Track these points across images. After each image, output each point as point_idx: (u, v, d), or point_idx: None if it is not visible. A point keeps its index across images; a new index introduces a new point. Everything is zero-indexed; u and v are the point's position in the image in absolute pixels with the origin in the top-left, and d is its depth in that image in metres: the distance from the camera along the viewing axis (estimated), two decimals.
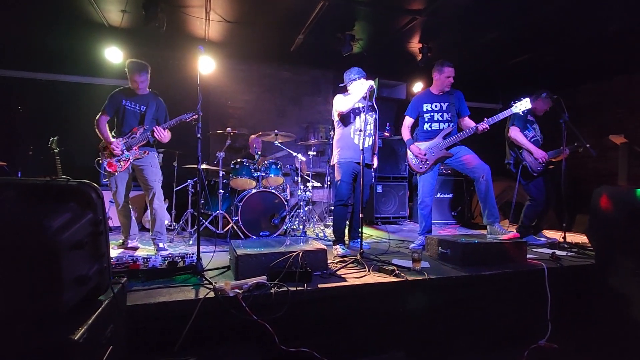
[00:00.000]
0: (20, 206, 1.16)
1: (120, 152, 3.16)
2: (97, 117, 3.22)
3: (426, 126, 3.51)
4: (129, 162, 3.22)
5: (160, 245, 3.23)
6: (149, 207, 3.33)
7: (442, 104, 3.45)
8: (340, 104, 3.26)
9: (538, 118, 3.84)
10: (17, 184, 1.24)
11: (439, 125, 3.46)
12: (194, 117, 3.31)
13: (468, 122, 3.46)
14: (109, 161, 3.16)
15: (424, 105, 3.50)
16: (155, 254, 2.97)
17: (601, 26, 4.30)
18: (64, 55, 4.94)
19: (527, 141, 3.69)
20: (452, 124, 3.43)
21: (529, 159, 3.67)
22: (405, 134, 3.60)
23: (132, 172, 3.35)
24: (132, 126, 3.26)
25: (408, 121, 3.60)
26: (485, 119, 3.26)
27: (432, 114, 3.48)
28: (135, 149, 3.23)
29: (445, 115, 3.44)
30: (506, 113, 3.29)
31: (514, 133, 3.70)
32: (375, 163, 3.53)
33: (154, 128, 3.23)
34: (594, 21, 4.22)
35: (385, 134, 5.67)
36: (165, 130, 3.27)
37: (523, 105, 3.26)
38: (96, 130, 3.21)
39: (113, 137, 3.22)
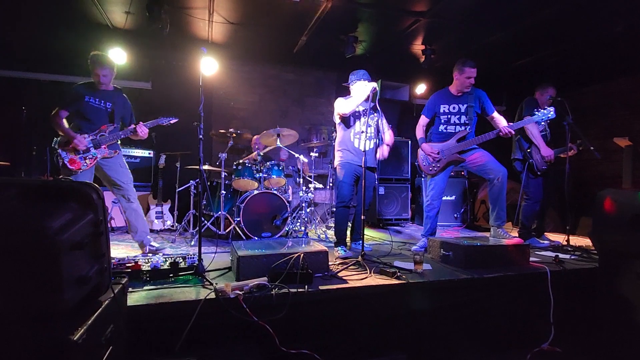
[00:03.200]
0: (21, 206, 1.16)
1: (85, 148, 2.92)
2: (53, 112, 2.94)
3: (441, 127, 3.45)
4: (94, 161, 2.98)
5: (153, 244, 3.14)
6: (125, 212, 3.11)
7: (460, 105, 3.38)
8: (342, 106, 3.24)
9: None
10: (19, 183, 1.24)
11: (455, 128, 3.40)
12: (171, 122, 3.25)
13: (498, 120, 3.34)
14: (72, 157, 2.90)
15: (441, 107, 3.43)
16: (143, 252, 2.96)
17: (606, 27, 4.27)
18: (67, 56, 4.97)
19: (539, 135, 3.64)
20: (469, 127, 3.36)
21: (536, 156, 3.65)
22: (419, 132, 3.52)
23: (95, 171, 3.09)
24: (100, 124, 3.04)
25: (423, 120, 3.53)
26: (510, 123, 3.27)
27: (449, 116, 3.41)
28: (104, 148, 3.01)
29: (463, 118, 3.37)
30: (527, 121, 3.32)
31: (531, 124, 3.61)
32: (387, 152, 3.43)
33: (138, 126, 3.08)
34: (599, 22, 4.20)
35: None
36: (146, 127, 3.14)
37: (546, 116, 3.26)
38: (54, 127, 2.95)
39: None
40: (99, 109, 3.06)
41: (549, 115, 3.25)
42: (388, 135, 3.49)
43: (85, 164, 2.95)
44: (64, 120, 2.98)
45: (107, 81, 3.09)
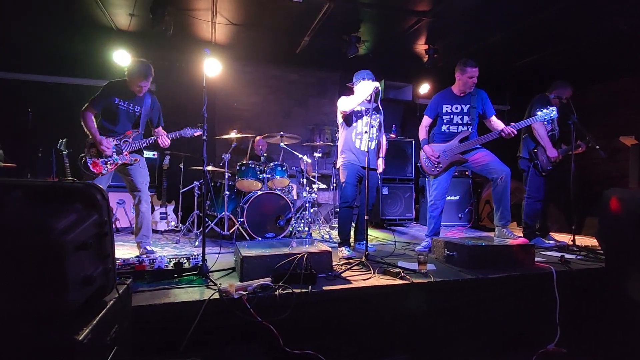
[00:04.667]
0: (27, 207, 1.17)
1: (111, 154, 2.95)
2: (83, 109, 2.92)
3: (444, 128, 3.44)
4: (115, 166, 3.02)
5: (148, 248, 3.12)
6: (135, 211, 3.12)
7: (462, 106, 3.37)
8: (344, 104, 3.25)
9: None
10: (25, 185, 1.25)
11: (457, 128, 3.39)
12: (196, 134, 3.21)
13: (495, 123, 3.34)
14: (94, 161, 2.93)
15: (444, 107, 3.42)
16: (140, 254, 2.96)
17: (610, 26, 4.24)
18: (72, 58, 5.02)
19: (545, 135, 3.63)
20: (472, 127, 3.35)
21: (541, 157, 3.63)
22: (422, 133, 3.52)
23: (117, 171, 3.12)
24: (125, 128, 3.06)
25: (426, 121, 3.52)
26: (512, 123, 3.23)
27: (452, 116, 3.40)
28: (126, 154, 3.03)
29: (466, 118, 3.36)
30: (529, 121, 3.30)
31: (537, 124, 3.61)
32: (381, 167, 3.48)
33: (160, 136, 3.09)
34: (602, 21, 4.16)
35: (392, 135, 5.65)
36: (168, 138, 3.15)
37: (549, 115, 3.24)
38: (83, 124, 2.92)
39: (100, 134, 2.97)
40: (127, 112, 3.05)
41: (552, 115, 3.23)
42: (384, 147, 3.51)
43: (106, 169, 2.97)
44: (93, 119, 2.95)
45: (145, 91, 3.08)
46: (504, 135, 3.21)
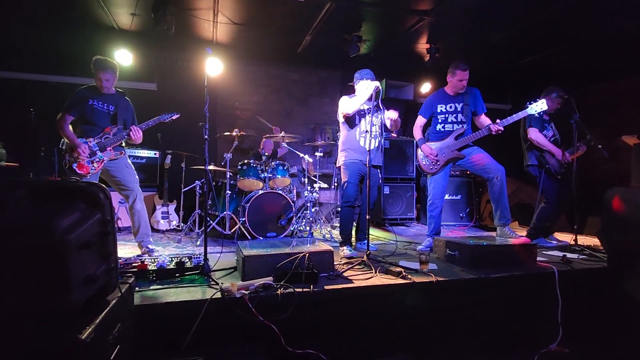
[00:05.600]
0: (30, 206, 1.17)
1: (88, 157, 2.94)
2: (58, 117, 2.94)
3: (439, 127, 3.47)
4: (102, 164, 3.01)
5: (150, 247, 3.11)
6: (130, 212, 3.12)
7: (456, 104, 3.40)
8: (346, 105, 3.24)
9: (552, 116, 3.77)
10: (27, 184, 1.25)
11: (453, 126, 3.42)
12: (173, 118, 3.24)
13: (484, 120, 3.39)
14: (79, 162, 2.93)
15: (438, 106, 3.46)
16: (141, 253, 2.98)
17: (612, 25, 4.22)
18: (74, 57, 5.01)
19: (548, 142, 3.62)
20: (466, 125, 3.38)
21: (551, 161, 3.61)
22: (417, 133, 3.55)
23: (101, 174, 3.10)
24: (104, 126, 3.06)
25: (420, 121, 3.55)
26: (499, 120, 3.22)
27: (446, 115, 3.44)
28: (110, 150, 3.03)
29: (460, 117, 3.40)
30: (521, 114, 3.27)
31: (535, 134, 3.62)
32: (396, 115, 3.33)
33: (131, 128, 3.07)
34: (605, 20, 4.15)
35: (393, 135, 5.63)
36: (140, 131, 3.12)
37: (539, 106, 3.22)
38: (59, 132, 2.95)
39: (79, 138, 2.97)
40: (102, 111, 3.07)
41: (542, 107, 3.23)
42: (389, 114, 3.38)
43: (93, 168, 2.97)
44: (69, 126, 2.99)
45: (110, 85, 3.09)
46: (493, 133, 3.23)
